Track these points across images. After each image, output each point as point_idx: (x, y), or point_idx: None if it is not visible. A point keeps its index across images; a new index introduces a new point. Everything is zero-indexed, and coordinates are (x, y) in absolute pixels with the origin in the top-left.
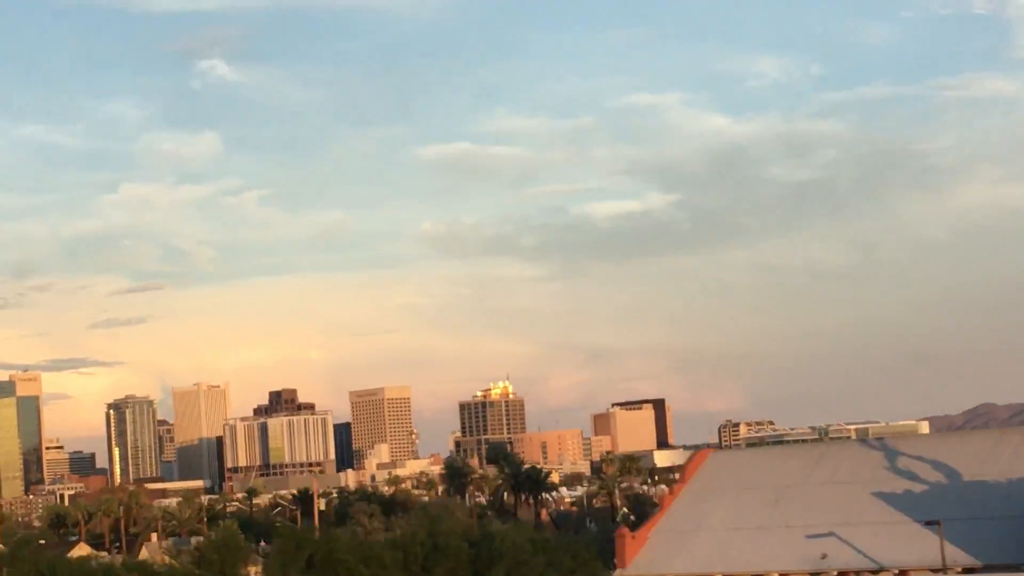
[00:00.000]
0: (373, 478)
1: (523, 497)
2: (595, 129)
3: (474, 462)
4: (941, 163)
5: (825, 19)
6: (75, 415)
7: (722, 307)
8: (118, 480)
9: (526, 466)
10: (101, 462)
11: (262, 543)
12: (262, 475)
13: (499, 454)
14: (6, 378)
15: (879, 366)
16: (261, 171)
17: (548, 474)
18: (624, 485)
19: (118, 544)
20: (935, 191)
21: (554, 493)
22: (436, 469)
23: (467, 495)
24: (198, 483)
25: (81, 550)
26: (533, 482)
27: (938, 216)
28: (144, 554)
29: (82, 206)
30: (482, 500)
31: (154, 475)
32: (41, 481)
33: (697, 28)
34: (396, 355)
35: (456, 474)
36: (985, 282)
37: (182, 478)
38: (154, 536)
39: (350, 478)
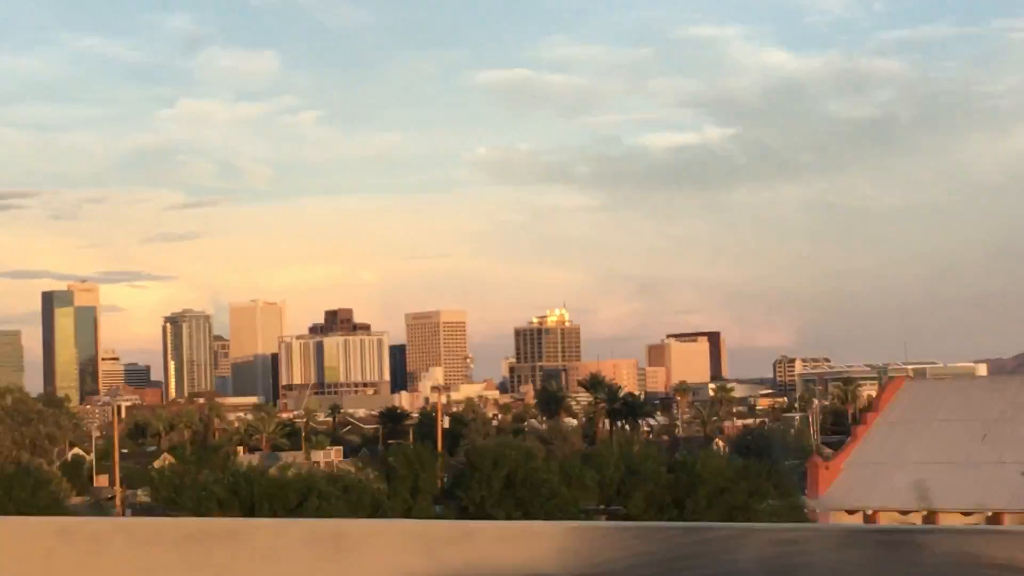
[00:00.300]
0: (427, 400)
1: (619, 423)
2: (653, 60)
3: (527, 388)
4: (1002, 105)
5: None
6: (130, 327)
7: (775, 243)
8: (172, 393)
9: (623, 392)
10: (156, 375)
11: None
12: (316, 393)
13: (594, 381)
14: (64, 288)
15: (931, 307)
16: (318, 90)
17: (648, 403)
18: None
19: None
20: (995, 133)
21: (651, 420)
22: (491, 394)
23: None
24: (251, 399)
25: (164, 461)
26: (630, 408)
27: (997, 159)
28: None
29: (139, 120)
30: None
31: (208, 389)
32: (96, 392)
33: None
34: (448, 279)
35: (550, 399)
36: None
37: (236, 394)
38: (241, 450)
39: (404, 399)
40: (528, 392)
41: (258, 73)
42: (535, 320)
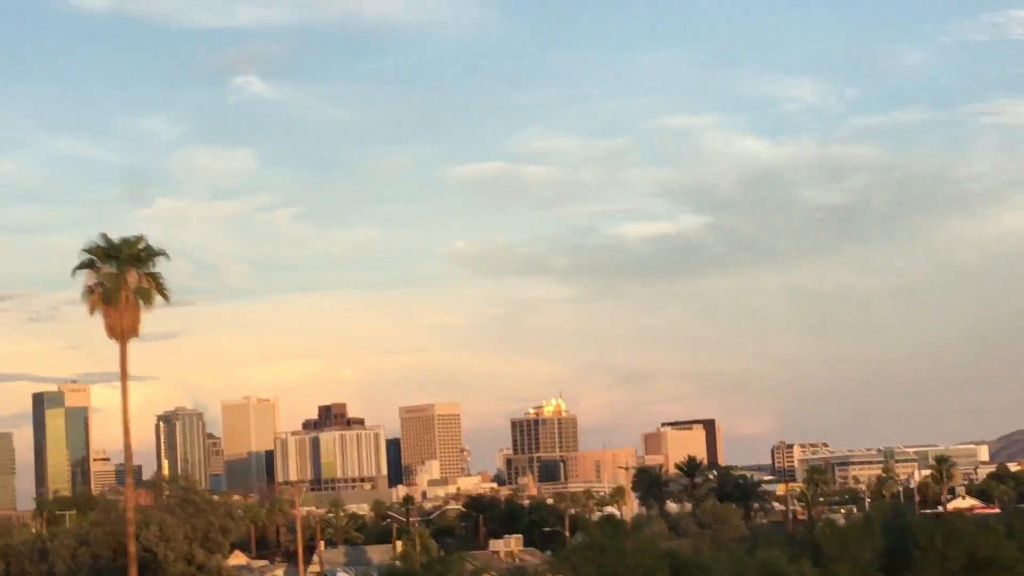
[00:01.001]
0: (424, 495)
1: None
2: (629, 150)
3: (527, 480)
4: (975, 189)
5: (861, 43)
6: (118, 428)
7: (753, 330)
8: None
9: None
10: (148, 474)
11: None
12: (312, 490)
13: (692, 465)
14: (55, 389)
15: (917, 389)
16: (295, 188)
17: (760, 482)
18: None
19: (268, 553)
20: (969, 216)
21: (766, 504)
22: (487, 486)
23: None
24: (250, 497)
25: (237, 558)
26: (742, 490)
27: (971, 242)
28: (316, 565)
29: (116, 220)
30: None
31: (203, 488)
32: (86, 494)
33: (733, 51)
34: (427, 374)
35: (652, 483)
36: (1017, 309)
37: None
38: (322, 544)
39: (402, 494)
40: (529, 483)
41: (234, 172)
42: (531, 411)
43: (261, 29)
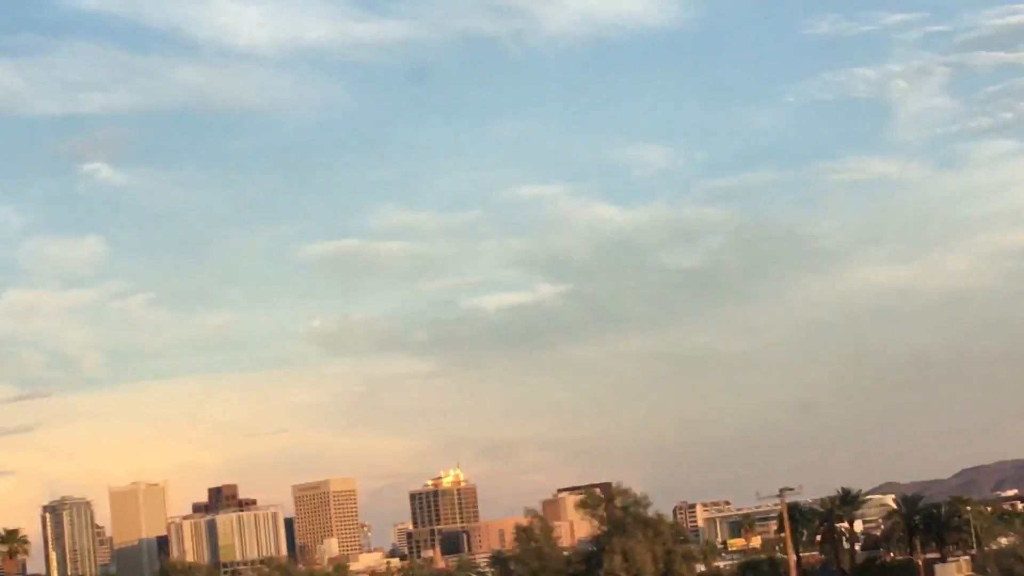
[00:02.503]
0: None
1: None
2: (483, 222)
3: (432, 553)
4: (827, 246)
5: (708, 107)
6: None
7: (614, 396)
8: None
9: None
10: (32, 567)
11: None
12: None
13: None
14: None
15: (778, 446)
16: (148, 274)
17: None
18: None
19: None
20: (821, 273)
21: None
22: (392, 562)
23: None
24: None
25: None
26: None
27: (826, 298)
28: None
29: None
30: None
31: None
32: None
33: (581, 119)
34: (288, 454)
35: None
36: (876, 361)
37: None
38: None
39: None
40: (435, 556)
41: (85, 259)
42: (429, 483)
43: (108, 115)
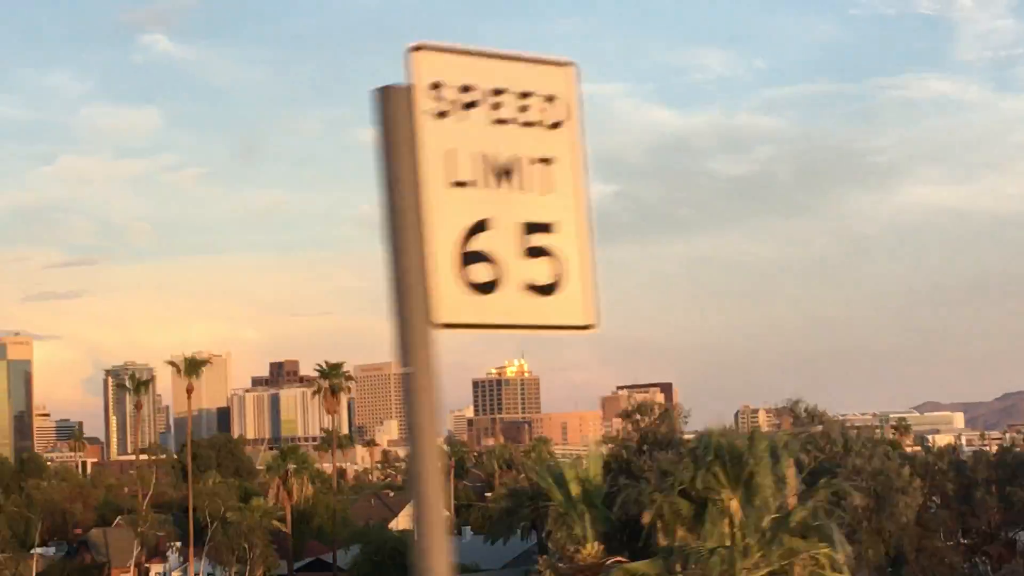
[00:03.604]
0: (385, 454)
1: None
2: None
3: (492, 441)
4: (880, 161)
5: (772, 13)
6: (57, 383)
7: (659, 298)
8: (114, 450)
9: None
10: (89, 431)
11: None
12: (271, 448)
13: None
14: None
15: (814, 360)
16: (200, 149)
17: None
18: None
19: None
20: (873, 189)
21: None
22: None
23: None
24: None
25: None
26: None
27: (875, 215)
28: None
29: (18, 177)
30: None
31: (154, 444)
32: (29, 450)
33: (642, 20)
34: (336, 336)
35: None
36: (920, 280)
37: (180, 449)
38: None
39: (359, 454)
40: (495, 445)
41: (139, 130)
42: (493, 371)
43: None
